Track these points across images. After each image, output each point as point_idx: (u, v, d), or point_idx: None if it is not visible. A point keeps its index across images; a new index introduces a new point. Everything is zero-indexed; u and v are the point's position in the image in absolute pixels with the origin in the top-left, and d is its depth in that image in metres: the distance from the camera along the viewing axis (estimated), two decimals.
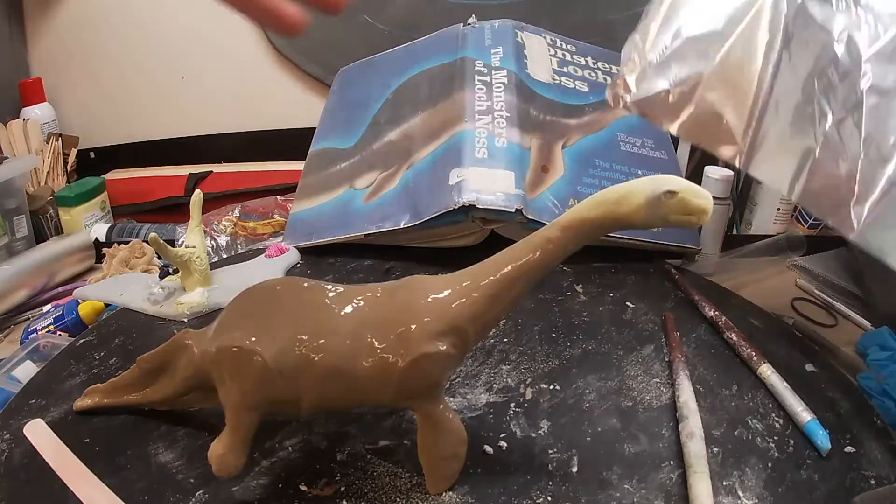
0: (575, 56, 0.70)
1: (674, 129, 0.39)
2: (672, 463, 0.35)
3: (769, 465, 0.35)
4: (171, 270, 0.57)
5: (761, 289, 0.61)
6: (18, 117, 1.01)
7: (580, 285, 0.54)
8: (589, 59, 0.71)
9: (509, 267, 0.29)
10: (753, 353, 0.43)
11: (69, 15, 1.00)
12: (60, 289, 0.70)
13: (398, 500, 0.32)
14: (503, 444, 0.35)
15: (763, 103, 0.36)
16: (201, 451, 0.31)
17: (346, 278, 0.56)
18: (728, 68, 0.37)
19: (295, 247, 0.61)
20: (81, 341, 0.47)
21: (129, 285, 0.55)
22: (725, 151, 0.37)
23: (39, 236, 0.81)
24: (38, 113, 1.03)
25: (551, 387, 0.41)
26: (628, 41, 0.41)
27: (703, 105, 0.37)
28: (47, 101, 1.06)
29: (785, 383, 0.40)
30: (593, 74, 0.69)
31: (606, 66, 0.71)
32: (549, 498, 0.32)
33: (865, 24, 0.34)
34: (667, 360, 0.44)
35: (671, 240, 0.59)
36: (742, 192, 0.78)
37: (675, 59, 0.38)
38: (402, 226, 0.55)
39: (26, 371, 0.50)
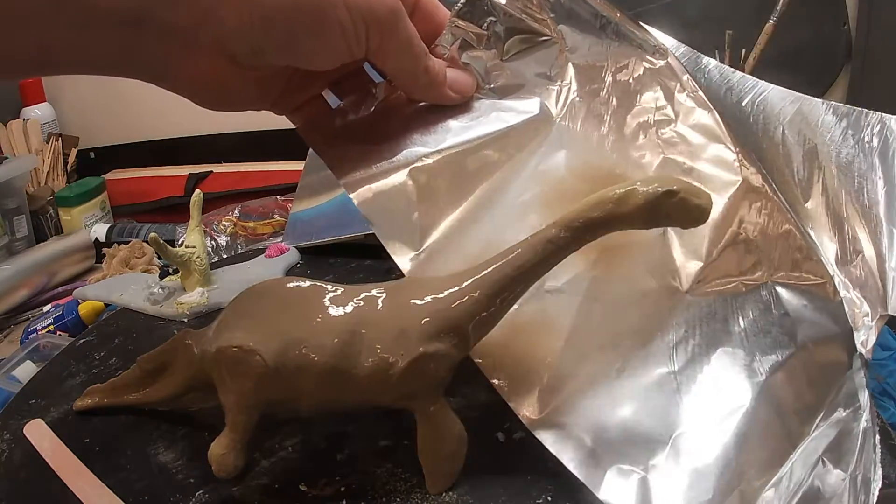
0: None
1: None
2: None
3: None
4: (171, 270, 0.57)
5: None
6: (18, 117, 1.01)
7: None
8: None
9: (509, 267, 0.29)
10: None
11: None
12: (60, 289, 0.70)
13: (398, 500, 0.32)
14: (503, 443, 0.35)
15: None
16: (201, 451, 0.31)
17: (346, 278, 0.56)
18: None
19: (295, 247, 0.61)
20: (81, 341, 0.47)
21: (129, 285, 0.55)
22: None
23: (39, 236, 0.81)
24: (38, 113, 1.03)
25: None
26: None
27: None
28: (47, 101, 1.06)
29: None
30: None
31: None
32: (549, 498, 0.32)
33: None
34: None
35: None
36: None
37: None
38: None
39: (26, 371, 0.50)
